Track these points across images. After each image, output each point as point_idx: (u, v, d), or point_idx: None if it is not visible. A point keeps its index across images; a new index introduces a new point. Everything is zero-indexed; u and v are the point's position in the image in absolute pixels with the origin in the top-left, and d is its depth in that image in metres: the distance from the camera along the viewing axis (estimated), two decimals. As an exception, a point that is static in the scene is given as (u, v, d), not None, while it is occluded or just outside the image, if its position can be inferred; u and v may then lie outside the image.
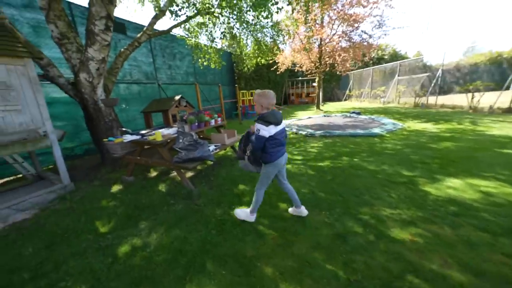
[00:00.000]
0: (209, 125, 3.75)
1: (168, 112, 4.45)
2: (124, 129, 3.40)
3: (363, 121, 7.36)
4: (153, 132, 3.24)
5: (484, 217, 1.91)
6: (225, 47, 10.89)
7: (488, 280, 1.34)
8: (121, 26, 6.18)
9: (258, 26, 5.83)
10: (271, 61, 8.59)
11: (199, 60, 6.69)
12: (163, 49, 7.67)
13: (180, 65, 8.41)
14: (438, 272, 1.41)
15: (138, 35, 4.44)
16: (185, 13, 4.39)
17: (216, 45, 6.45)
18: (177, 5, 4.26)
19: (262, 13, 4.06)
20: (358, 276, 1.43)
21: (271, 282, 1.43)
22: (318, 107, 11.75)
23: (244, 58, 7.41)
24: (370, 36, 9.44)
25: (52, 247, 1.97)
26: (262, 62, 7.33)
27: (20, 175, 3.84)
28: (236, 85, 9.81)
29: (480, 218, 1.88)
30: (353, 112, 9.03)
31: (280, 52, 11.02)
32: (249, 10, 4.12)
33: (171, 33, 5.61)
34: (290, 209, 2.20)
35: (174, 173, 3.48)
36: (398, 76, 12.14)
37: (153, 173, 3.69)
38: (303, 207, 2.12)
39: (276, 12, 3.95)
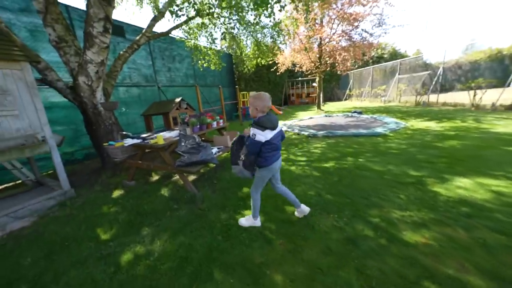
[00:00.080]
0: (211, 128, 3.69)
1: (169, 115, 4.39)
2: (124, 132, 3.34)
3: (365, 121, 7.31)
4: (155, 135, 3.18)
5: (499, 218, 1.85)
6: (225, 49, 10.86)
7: (509, 285, 1.27)
8: (119, 29, 6.14)
9: (258, 27, 5.80)
10: (271, 62, 8.55)
11: (199, 61, 6.66)
12: (162, 51, 7.63)
13: (179, 67, 8.37)
14: (455, 278, 1.35)
15: (137, 37, 4.39)
16: (184, 13, 4.34)
17: (215, 46, 6.41)
18: (177, 5, 4.21)
19: (264, 12, 4.00)
20: (372, 283, 1.36)
21: (282, 291, 1.36)
22: (319, 107, 11.70)
23: (244, 59, 7.37)
24: (371, 35, 9.40)
25: (51, 256, 1.90)
26: (262, 63, 7.29)
27: (19, 181, 3.77)
28: (236, 87, 9.77)
29: (495, 220, 1.82)
30: (355, 112, 8.99)
31: (280, 52, 10.98)
32: (251, 10, 4.06)
33: (170, 35, 5.57)
34: (296, 213, 2.15)
35: (177, 177, 3.42)
36: (399, 74, 12.11)
37: (155, 177, 3.62)
38: (303, 205, 2.08)
39: (279, 10, 3.90)
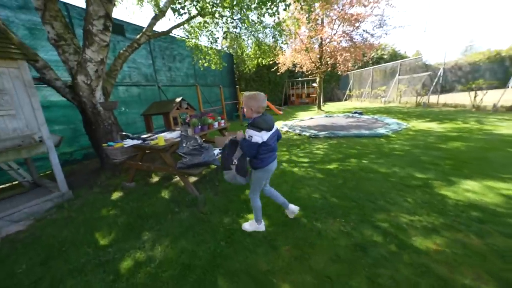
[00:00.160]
0: (213, 128, 3.63)
1: (169, 115, 4.32)
2: (124, 133, 3.26)
3: (366, 121, 7.26)
4: (155, 136, 3.11)
5: None
6: (225, 48, 10.80)
7: (528, 296, 1.22)
8: (119, 28, 6.05)
9: (260, 26, 5.74)
10: (271, 62, 8.50)
11: (200, 61, 6.59)
12: (163, 50, 7.55)
13: (180, 67, 8.29)
14: None
15: (137, 36, 4.32)
16: (186, 11, 4.26)
17: (216, 46, 6.34)
18: (180, 3, 4.13)
19: (269, 11, 3.93)
20: (385, 293, 1.30)
21: (291, 302, 1.30)
22: (319, 108, 11.65)
23: (245, 59, 7.30)
24: (372, 35, 9.37)
25: (48, 262, 1.83)
26: (263, 63, 7.23)
27: (16, 182, 3.68)
28: (237, 86, 9.70)
29: (508, 225, 1.77)
30: (355, 112, 8.94)
31: (282, 52, 10.92)
32: (255, 8, 3.98)
33: (170, 34, 5.50)
34: (288, 214, 2.13)
35: (177, 178, 3.35)
36: (399, 75, 12.09)
37: (155, 178, 3.55)
38: (291, 205, 2.06)
39: (283, 9, 3.83)
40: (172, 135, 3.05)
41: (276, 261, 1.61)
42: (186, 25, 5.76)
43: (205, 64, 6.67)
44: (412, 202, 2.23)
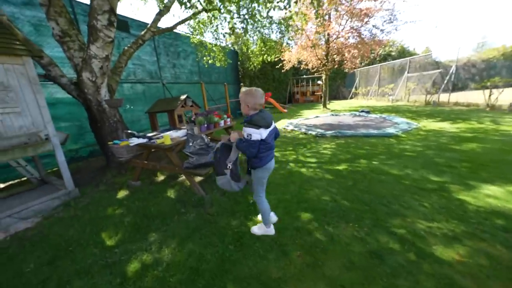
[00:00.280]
0: (219, 126, 3.56)
1: (174, 113, 4.26)
2: (129, 131, 3.22)
3: (374, 120, 7.09)
4: (161, 134, 3.05)
5: (538, 232, 1.68)
6: (230, 45, 10.66)
7: None
8: (124, 24, 6.00)
9: (266, 21, 5.60)
10: (276, 59, 8.35)
11: (204, 58, 6.50)
12: (167, 47, 7.48)
13: (184, 64, 8.21)
14: (499, 302, 1.20)
15: (142, 32, 4.25)
16: (194, 4, 4.13)
17: (221, 42, 6.24)
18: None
19: (280, 4, 3.78)
20: (405, 306, 1.22)
21: (305, 313, 1.23)
22: (324, 106, 11.46)
23: (251, 55, 7.18)
24: (382, 31, 9.08)
25: (55, 262, 1.81)
26: (269, 60, 7.10)
27: (25, 178, 3.71)
28: (241, 84, 9.59)
29: (535, 234, 1.66)
30: (362, 111, 8.75)
31: (288, 49, 10.71)
32: (268, 1, 3.82)
33: (175, 31, 5.41)
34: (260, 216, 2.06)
35: (183, 177, 3.30)
36: (408, 73, 11.77)
37: (160, 177, 3.52)
38: (273, 213, 2.01)
39: (294, 2, 3.69)
40: (178, 134, 3.00)
41: (288, 267, 1.55)
42: (191, 21, 5.67)
43: (210, 61, 6.58)
44: (429, 207, 2.13)
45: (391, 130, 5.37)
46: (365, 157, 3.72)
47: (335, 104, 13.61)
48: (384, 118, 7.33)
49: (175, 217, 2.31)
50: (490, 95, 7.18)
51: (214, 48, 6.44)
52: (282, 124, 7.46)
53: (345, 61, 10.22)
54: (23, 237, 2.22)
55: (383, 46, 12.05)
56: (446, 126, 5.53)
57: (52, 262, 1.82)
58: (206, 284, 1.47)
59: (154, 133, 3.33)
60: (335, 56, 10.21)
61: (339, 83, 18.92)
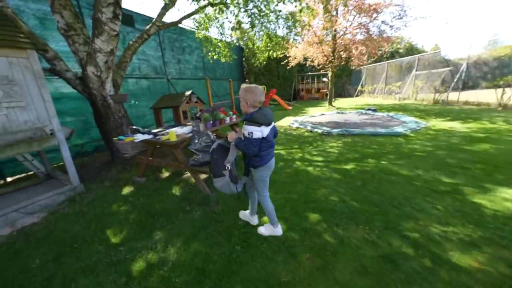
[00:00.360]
0: (224, 123, 3.50)
1: (179, 109, 4.22)
2: (134, 127, 3.19)
3: (381, 119, 6.95)
4: (166, 131, 3.01)
5: (561, 239, 1.60)
6: (235, 41, 10.53)
7: None
8: (129, 18, 5.93)
9: (272, 17, 5.47)
10: (281, 55, 8.21)
11: (209, 53, 6.41)
12: (172, 42, 7.40)
13: (189, 59, 8.14)
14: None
15: (147, 27, 4.18)
16: None
17: (226, 38, 6.13)
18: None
19: None
20: (421, 315, 1.16)
21: (316, 320, 1.18)
22: (330, 103, 11.29)
23: (256, 51, 7.06)
24: (391, 27, 8.82)
25: (60, 259, 1.79)
26: (274, 56, 6.98)
27: (32, 172, 3.73)
28: (247, 80, 9.48)
29: (559, 241, 1.57)
30: (369, 109, 8.59)
31: (295, 45, 10.51)
32: None
33: (180, 25, 5.32)
34: (242, 213, 2.13)
35: (188, 174, 3.27)
36: (416, 70, 11.48)
37: (165, 174, 3.49)
38: (256, 216, 2.03)
39: None
40: (183, 130, 2.95)
41: (297, 270, 1.50)
42: (196, 15, 5.57)
43: (215, 57, 6.49)
44: (442, 210, 2.05)
45: (399, 129, 5.24)
46: (373, 156, 3.63)
47: (341, 102, 13.42)
48: (391, 116, 7.17)
49: (180, 215, 2.28)
50: (502, 94, 6.94)
51: (219, 44, 6.34)
52: (287, 122, 7.37)
53: (352, 58, 9.99)
54: (29, 232, 2.22)
55: (391, 43, 11.73)
56: (456, 125, 5.38)
57: (57, 258, 1.80)
58: (213, 285, 1.43)
59: (159, 129, 3.29)
60: (341, 52, 10.00)
61: (345, 81, 18.61)
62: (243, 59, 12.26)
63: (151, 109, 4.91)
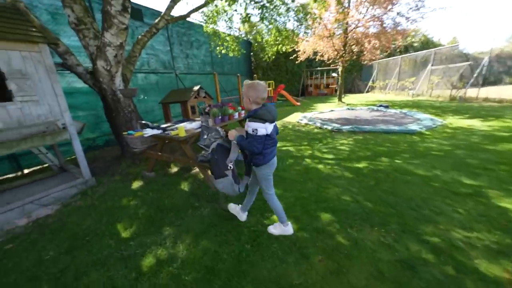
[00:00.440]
0: (233, 119, 3.44)
1: (187, 104, 4.20)
2: (144, 122, 3.19)
3: (394, 116, 6.68)
4: (175, 126, 2.99)
5: None
6: (243, 35, 10.36)
7: None
8: (138, 13, 5.91)
9: (282, 9, 5.29)
10: (290, 49, 8.01)
11: (217, 48, 6.33)
12: (180, 36, 7.36)
13: (197, 54, 8.09)
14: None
15: (156, 20, 4.14)
16: None
17: (234, 32, 6.01)
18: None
19: None
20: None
21: (331, 326, 1.13)
22: (340, 99, 10.99)
23: (265, 45, 6.91)
24: (407, 19, 8.38)
25: (72, 252, 1.82)
26: (283, 50, 6.80)
27: (46, 165, 3.84)
28: (255, 75, 9.35)
29: None
30: (381, 105, 8.29)
31: (304, 39, 10.20)
32: None
33: (188, 19, 5.25)
34: (232, 205, 2.11)
35: (196, 170, 3.26)
36: (432, 65, 10.93)
37: (174, 169, 3.50)
38: (246, 213, 2.02)
39: None
40: (192, 126, 2.92)
41: (309, 273, 1.44)
42: (205, 9, 5.47)
43: (223, 51, 6.41)
44: (465, 214, 1.92)
45: (413, 127, 5.02)
46: (387, 155, 3.48)
47: (350, 98, 13.03)
48: (404, 113, 6.89)
49: (189, 211, 2.26)
50: (528, 91, 6.49)
51: (227, 38, 6.24)
52: (295, 118, 7.23)
53: (365, 52, 9.62)
54: (44, 224, 2.27)
55: (405, 36, 11.21)
56: (476, 123, 5.08)
57: (70, 251, 1.83)
58: (223, 285, 1.40)
59: (168, 124, 3.28)
60: (353, 46, 9.64)
61: (355, 76, 18.03)
62: (251, 53, 12.09)
63: (159, 104, 4.92)
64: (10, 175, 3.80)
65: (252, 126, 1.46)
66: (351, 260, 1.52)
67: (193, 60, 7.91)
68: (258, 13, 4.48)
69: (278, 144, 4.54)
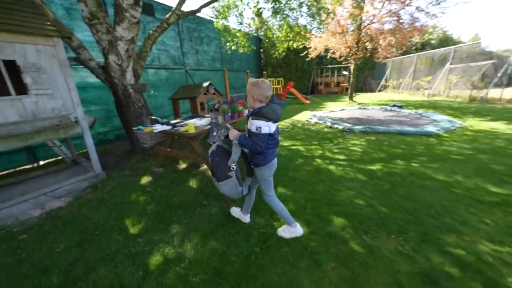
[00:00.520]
0: (243, 116, 3.38)
1: (196, 100, 4.17)
2: (153, 117, 3.18)
3: (409, 116, 6.41)
4: (185, 122, 2.97)
5: None
6: (253, 31, 10.23)
7: None
8: (149, 8, 5.92)
9: (295, 3, 5.14)
10: (301, 46, 7.81)
11: (227, 44, 6.26)
12: (191, 32, 7.34)
13: (207, 50, 8.05)
14: None
15: (167, 15, 4.11)
16: None
17: (245, 28, 5.91)
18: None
19: None
20: None
21: None
22: (351, 98, 10.68)
23: (276, 42, 6.77)
24: (427, 14, 7.95)
25: (82, 245, 1.83)
26: (294, 46, 6.64)
27: (60, 157, 3.94)
28: (264, 72, 9.23)
29: None
30: (394, 105, 7.98)
31: (316, 35, 9.93)
32: None
33: (198, 15, 5.19)
34: (234, 209, 2.06)
35: (205, 167, 3.23)
36: (451, 64, 10.38)
37: (183, 165, 3.49)
38: (248, 215, 1.96)
39: None
40: (202, 122, 2.88)
41: (322, 281, 1.37)
42: (215, 3, 5.40)
43: (233, 47, 6.33)
44: (492, 224, 1.78)
45: (430, 129, 4.77)
46: (402, 157, 3.32)
47: (362, 97, 12.65)
48: (420, 114, 6.59)
49: (197, 209, 2.23)
50: (559, 92, 6.02)
51: (237, 34, 6.16)
52: (305, 116, 7.08)
53: (379, 50, 9.24)
54: (56, 216, 2.31)
55: (423, 33, 10.67)
56: (500, 126, 4.77)
57: (80, 244, 1.85)
58: (231, 288, 1.36)
59: (178, 120, 3.26)
60: (367, 43, 9.28)
61: (367, 74, 17.47)
62: (261, 50, 11.93)
63: (169, 100, 4.92)
64: (27, 166, 3.93)
65: (255, 124, 1.41)
66: (366, 269, 1.44)
67: (203, 56, 7.89)
68: (270, 7, 4.35)
69: (287, 143, 4.45)
